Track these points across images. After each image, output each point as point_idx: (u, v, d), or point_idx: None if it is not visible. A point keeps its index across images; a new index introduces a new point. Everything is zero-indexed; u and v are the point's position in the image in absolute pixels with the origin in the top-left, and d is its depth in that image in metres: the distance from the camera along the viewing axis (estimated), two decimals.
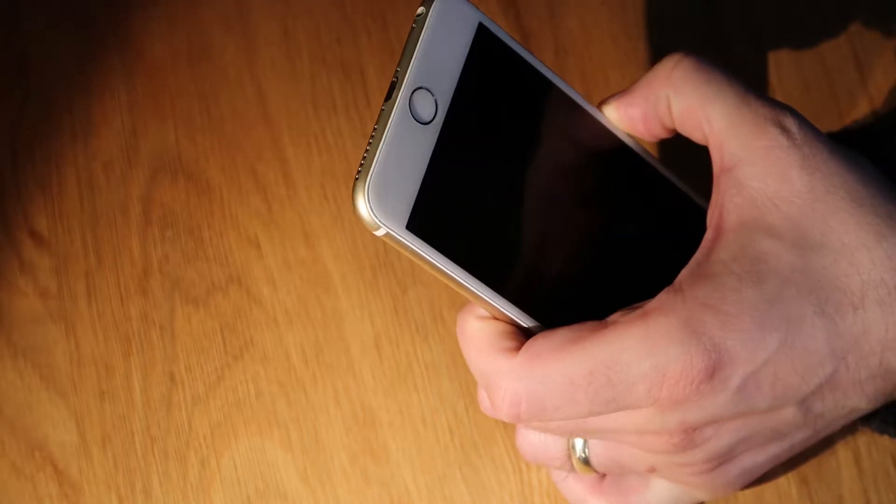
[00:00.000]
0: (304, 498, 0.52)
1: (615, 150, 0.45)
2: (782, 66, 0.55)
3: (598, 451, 0.45)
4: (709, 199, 0.44)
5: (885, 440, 0.50)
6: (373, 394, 0.53)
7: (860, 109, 0.54)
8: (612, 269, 0.45)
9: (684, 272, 0.41)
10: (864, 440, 0.51)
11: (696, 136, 0.44)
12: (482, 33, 0.41)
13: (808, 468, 0.50)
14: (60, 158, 0.56)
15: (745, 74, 0.55)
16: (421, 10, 0.40)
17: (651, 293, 0.42)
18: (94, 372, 0.54)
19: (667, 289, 0.41)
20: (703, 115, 0.43)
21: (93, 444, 0.53)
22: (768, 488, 0.50)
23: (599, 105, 0.45)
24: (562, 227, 0.44)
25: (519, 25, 0.56)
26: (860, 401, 0.42)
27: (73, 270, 0.55)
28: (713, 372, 0.40)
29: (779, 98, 0.55)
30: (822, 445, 0.50)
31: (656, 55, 0.56)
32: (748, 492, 0.50)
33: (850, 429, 0.50)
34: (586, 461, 0.46)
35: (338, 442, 0.52)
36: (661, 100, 0.44)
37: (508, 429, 0.52)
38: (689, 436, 0.41)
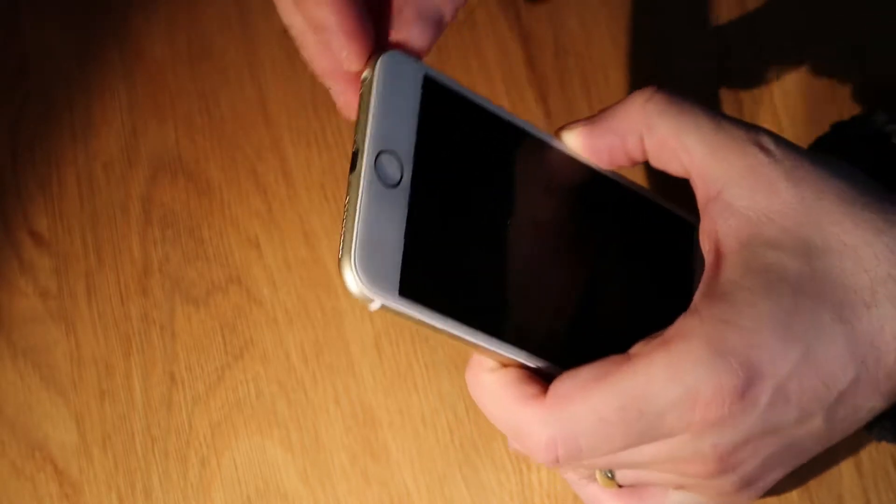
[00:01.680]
0: (304, 498, 0.52)
1: (587, 178, 0.45)
2: (782, 64, 0.55)
3: (625, 472, 0.45)
4: (688, 208, 0.44)
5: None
6: (373, 394, 0.53)
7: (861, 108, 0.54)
8: (611, 295, 0.45)
9: (696, 297, 0.41)
10: (864, 441, 0.51)
11: (673, 168, 0.44)
12: (429, 85, 0.41)
13: (808, 469, 0.50)
14: (60, 158, 0.56)
15: (744, 72, 0.55)
16: (366, 74, 0.40)
17: (659, 314, 0.42)
18: (94, 372, 0.54)
19: (683, 314, 0.41)
20: (680, 146, 0.43)
21: (93, 444, 0.53)
22: (767, 490, 0.50)
23: (558, 131, 0.45)
24: (552, 262, 0.43)
25: (519, 25, 0.56)
26: (878, 400, 0.42)
27: (73, 270, 0.55)
28: (743, 391, 0.39)
29: (777, 97, 0.55)
30: None
31: (656, 55, 0.56)
32: None
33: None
34: (611, 476, 0.46)
35: (338, 442, 0.52)
36: (632, 133, 0.44)
37: None
38: (724, 461, 0.41)
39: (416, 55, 0.41)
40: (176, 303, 0.54)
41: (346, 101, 0.42)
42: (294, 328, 0.54)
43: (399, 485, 0.52)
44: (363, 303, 0.38)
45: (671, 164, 0.43)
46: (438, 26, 0.41)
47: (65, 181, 0.56)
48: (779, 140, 0.42)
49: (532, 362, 0.42)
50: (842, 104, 0.52)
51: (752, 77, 0.55)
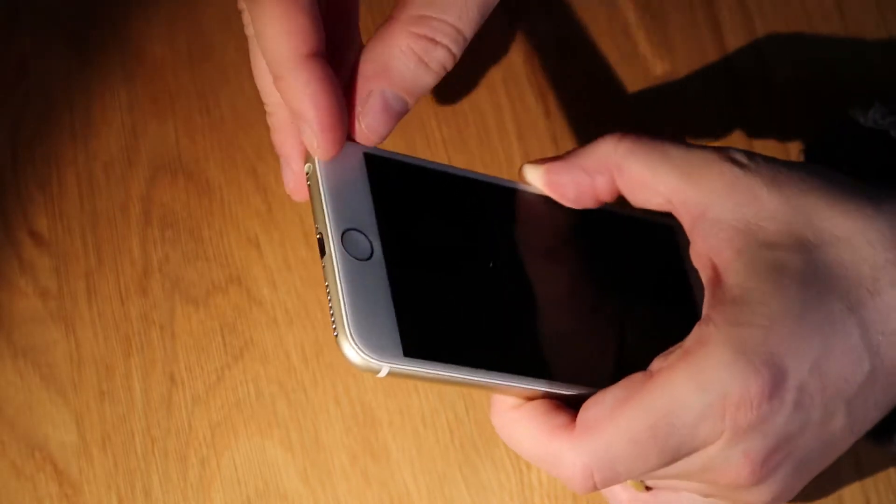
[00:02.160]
0: (304, 498, 0.52)
1: (554, 210, 0.45)
2: (780, 62, 0.55)
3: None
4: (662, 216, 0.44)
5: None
6: (373, 394, 0.53)
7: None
8: (614, 310, 0.45)
9: (705, 308, 0.41)
10: (865, 441, 0.50)
11: (653, 203, 0.44)
12: (371, 161, 0.42)
13: None
14: (60, 158, 0.56)
15: (743, 71, 0.55)
16: (307, 166, 0.41)
17: (666, 323, 0.42)
18: (94, 372, 0.54)
19: (697, 325, 0.41)
20: (655, 179, 0.43)
21: (93, 444, 0.53)
22: None
23: (521, 169, 0.45)
24: (544, 292, 0.43)
25: (519, 25, 0.56)
26: (891, 394, 0.42)
27: (73, 270, 0.55)
28: (771, 391, 0.39)
29: (775, 94, 0.55)
30: None
31: (656, 55, 0.56)
32: None
33: None
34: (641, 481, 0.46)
35: (338, 442, 0.52)
36: (603, 175, 0.44)
37: None
38: (756, 470, 0.41)
39: (373, 145, 0.42)
40: (176, 303, 0.54)
41: (296, 185, 0.43)
42: (294, 328, 0.54)
43: (399, 485, 0.52)
44: (370, 373, 0.39)
45: (651, 199, 0.44)
46: (399, 118, 0.42)
47: (65, 181, 0.56)
48: (751, 154, 0.43)
49: (553, 389, 0.42)
50: (845, 102, 0.52)
51: (753, 77, 0.55)
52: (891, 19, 0.56)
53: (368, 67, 0.41)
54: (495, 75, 0.56)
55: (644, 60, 0.56)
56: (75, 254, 0.55)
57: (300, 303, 0.54)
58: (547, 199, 0.45)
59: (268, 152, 0.56)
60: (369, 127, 0.41)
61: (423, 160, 0.44)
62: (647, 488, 0.46)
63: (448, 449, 0.52)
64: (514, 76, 0.56)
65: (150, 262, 0.55)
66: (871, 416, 0.42)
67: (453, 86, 0.56)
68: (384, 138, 0.42)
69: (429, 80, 0.41)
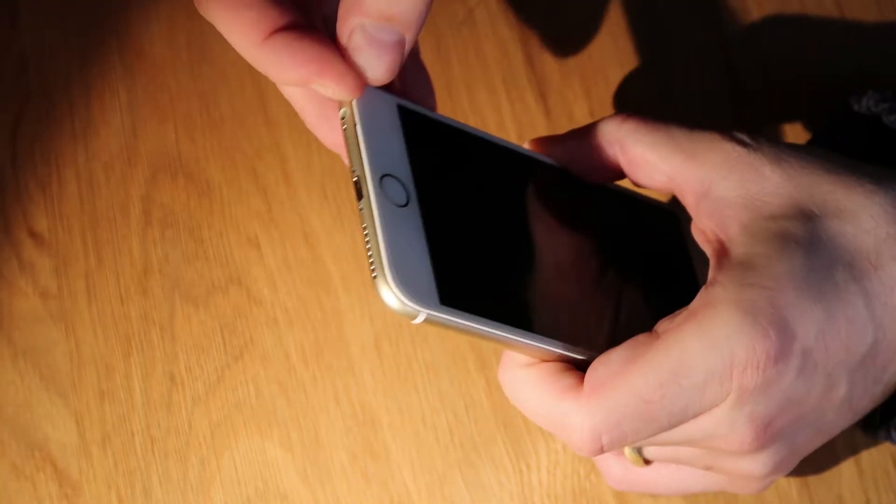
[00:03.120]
0: (304, 498, 0.52)
1: (577, 181, 0.46)
2: (780, 60, 0.55)
3: (654, 450, 0.45)
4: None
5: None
6: (373, 394, 0.53)
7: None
8: (627, 280, 0.46)
9: (711, 272, 0.42)
10: (865, 440, 0.51)
11: (656, 182, 0.44)
12: (404, 113, 0.42)
13: (808, 468, 0.50)
14: (60, 158, 0.56)
15: (746, 72, 0.55)
16: (343, 110, 0.41)
17: (672, 293, 0.42)
18: (94, 372, 0.54)
19: (703, 287, 0.41)
20: (658, 159, 0.44)
21: (93, 444, 0.53)
22: (768, 488, 0.50)
23: (531, 142, 0.46)
24: (566, 256, 0.44)
25: (519, 25, 0.56)
26: (891, 371, 0.42)
27: (73, 270, 0.55)
28: (777, 353, 0.39)
29: (778, 96, 0.55)
30: (821, 446, 0.50)
31: (656, 54, 0.56)
32: None
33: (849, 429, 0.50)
34: (639, 452, 0.45)
35: (338, 442, 0.52)
36: (608, 149, 0.44)
37: (509, 429, 0.52)
38: (760, 436, 0.41)
39: (382, 83, 0.41)
40: (176, 303, 0.54)
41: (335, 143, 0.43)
42: (294, 328, 0.54)
43: (399, 485, 0.52)
44: (407, 318, 0.38)
45: (654, 178, 0.44)
46: (397, 49, 0.40)
47: (65, 181, 0.56)
48: (753, 135, 0.43)
49: (568, 352, 0.42)
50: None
51: (754, 77, 0.55)
52: (891, 19, 0.56)
53: (344, 5, 0.40)
54: (495, 75, 0.56)
55: (644, 60, 0.56)
56: (75, 254, 0.55)
57: (300, 303, 0.54)
58: (567, 174, 0.46)
59: (268, 152, 0.56)
60: (367, 65, 0.40)
61: (454, 120, 0.44)
62: (647, 462, 0.46)
63: (448, 449, 0.52)
64: (514, 76, 0.56)
65: (150, 262, 0.55)
66: (871, 392, 0.42)
67: (453, 86, 0.56)
68: (390, 74, 0.40)
69: None
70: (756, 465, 0.42)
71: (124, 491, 0.52)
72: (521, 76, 0.56)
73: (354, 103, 0.40)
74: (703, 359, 0.39)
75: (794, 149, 0.43)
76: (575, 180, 0.46)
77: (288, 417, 0.53)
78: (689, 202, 0.44)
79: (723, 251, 0.42)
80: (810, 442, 0.43)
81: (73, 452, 0.53)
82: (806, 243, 0.41)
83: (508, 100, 0.56)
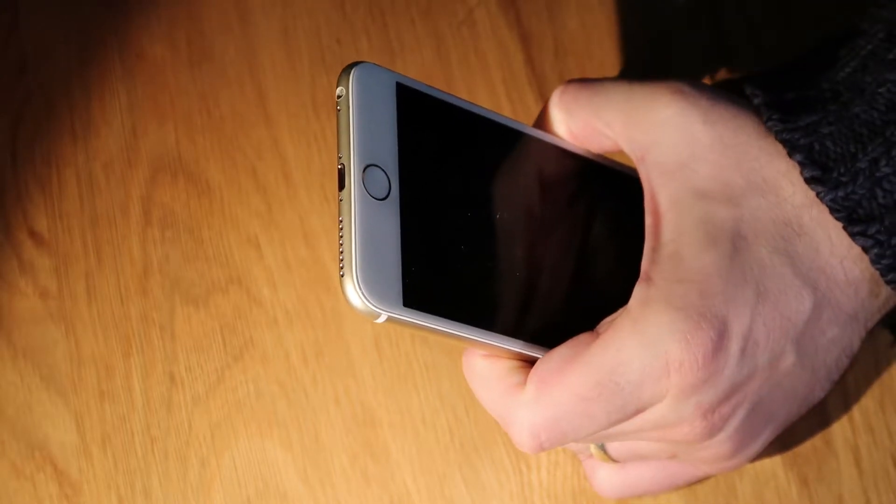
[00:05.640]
0: (304, 498, 0.52)
1: (567, 163, 0.46)
2: (779, 58, 0.56)
3: (617, 446, 0.45)
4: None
5: (886, 440, 0.50)
6: (373, 394, 0.53)
7: None
8: (594, 277, 0.45)
9: (644, 264, 0.42)
10: (865, 440, 0.51)
11: (605, 146, 0.45)
12: (403, 92, 0.41)
13: (809, 468, 0.50)
14: (60, 158, 0.56)
15: (745, 71, 0.55)
16: (340, 89, 0.40)
17: (629, 288, 0.42)
18: (94, 372, 0.54)
19: (637, 283, 0.41)
20: (601, 123, 0.44)
21: (93, 444, 0.53)
22: (768, 488, 0.50)
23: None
24: (538, 251, 0.44)
25: (519, 25, 0.56)
26: (848, 323, 0.42)
27: (73, 270, 0.55)
28: (714, 344, 0.40)
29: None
30: (822, 445, 0.50)
31: (656, 54, 0.56)
32: (748, 491, 0.50)
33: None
34: (604, 449, 0.46)
35: (338, 442, 0.52)
36: (556, 125, 0.45)
37: None
38: (710, 420, 0.41)
39: None
40: (176, 303, 0.54)
41: None
42: (294, 329, 0.54)
43: (399, 485, 0.52)
44: (368, 318, 0.39)
45: (602, 143, 0.45)
46: None
47: (65, 181, 0.56)
48: (693, 82, 0.43)
49: (527, 350, 0.42)
50: None
51: (747, 68, 0.55)
52: None
53: None
54: (495, 75, 0.56)
55: (644, 61, 0.56)
56: (75, 254, 0.55)
57: (300, 303, 0.54)
58: (566, 150, 0.45)
59: (268, 152, 0.56)
60: None
61: (456, 97, 0.43)
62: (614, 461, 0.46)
63: (448, 449, 0.52)
64: (514, 76, 0.56)
65: (149, 262, 0.55)
66: (830, 350, 0.43)
67: (453, 86, 0.56)
68: None
69: None
70: (717, 447, 0.43)
71: (124, 491, 0.52)
72: (521, 76, 0.56)
73: (352, 87, 0.40)
74: (639, 357, 0.40)
75: (731, 102, 0.43)
76: (577, 165, 0.45)
77: (288, 418, 0.53)
78: (635, 163, 0.44)
79: (655, 226, 0.42)
80: (771, 413, 0.43)
81: (73, 452, 0.53)
82: (731, 227, 0.41)
83: (508, 100, 0.56)
